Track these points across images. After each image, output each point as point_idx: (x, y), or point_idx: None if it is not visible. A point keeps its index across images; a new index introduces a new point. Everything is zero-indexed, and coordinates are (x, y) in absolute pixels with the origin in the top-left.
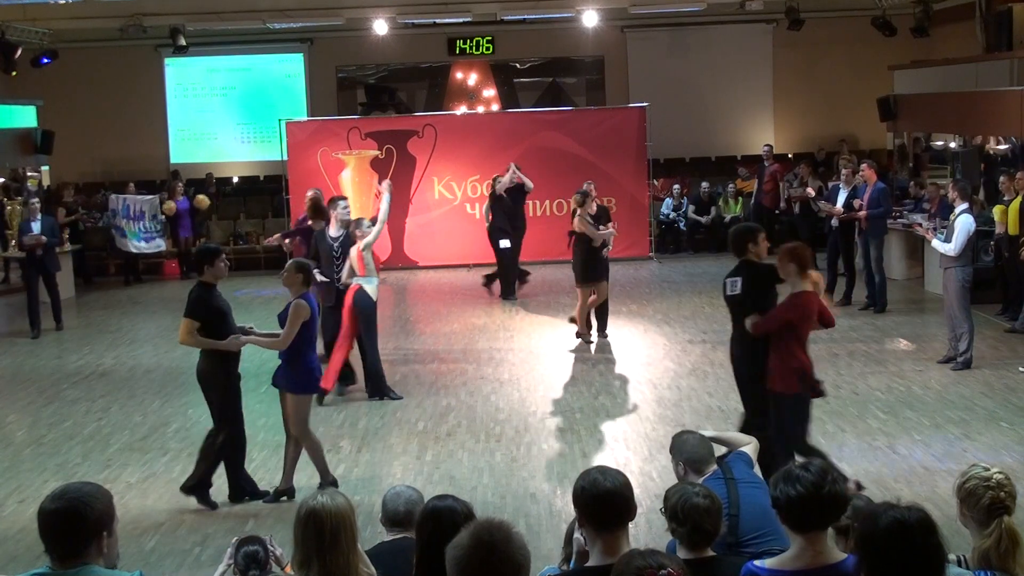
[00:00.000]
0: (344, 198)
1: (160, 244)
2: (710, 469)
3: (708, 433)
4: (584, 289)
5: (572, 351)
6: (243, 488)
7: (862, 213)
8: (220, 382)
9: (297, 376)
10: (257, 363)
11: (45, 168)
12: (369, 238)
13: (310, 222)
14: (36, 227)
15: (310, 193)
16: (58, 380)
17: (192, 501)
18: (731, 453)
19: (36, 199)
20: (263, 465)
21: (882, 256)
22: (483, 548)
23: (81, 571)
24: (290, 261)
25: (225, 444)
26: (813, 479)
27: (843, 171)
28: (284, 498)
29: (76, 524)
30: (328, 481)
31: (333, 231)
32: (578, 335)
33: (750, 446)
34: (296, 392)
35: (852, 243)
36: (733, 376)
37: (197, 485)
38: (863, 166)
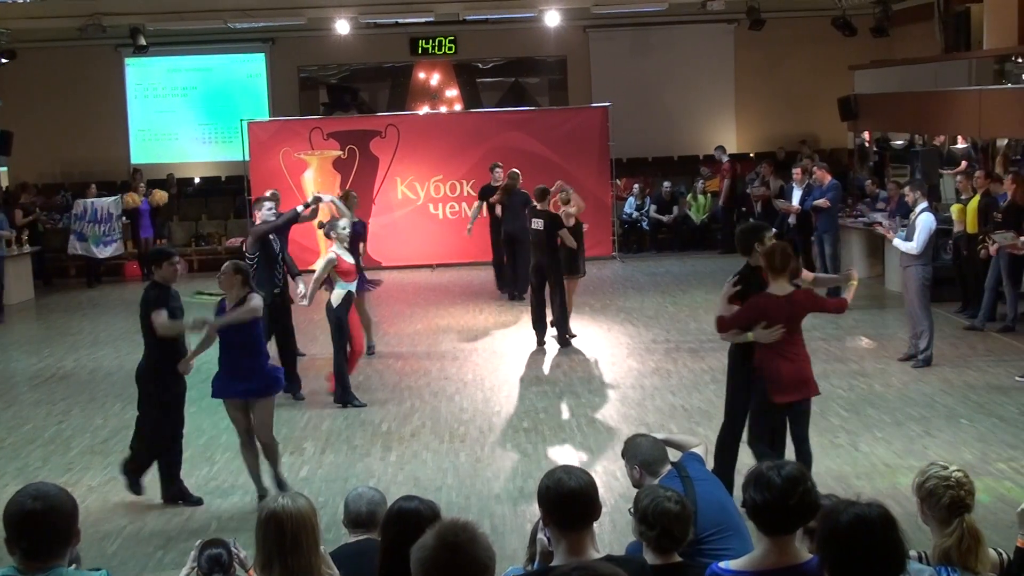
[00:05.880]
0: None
1: (119, 248)
2: (665, 470)
3: (659, 436)
4: (572, 282)
5: (553, 350)
6: (178, 494)
7: (821, 202)
8: (165, 383)
9: (265, 377)
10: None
11: (3, 169)
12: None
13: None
14: None
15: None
16: (17, 383)
17: (156, 502)
18: (682, 454)
19: None
20: (225, 467)
21: (838, 254)
22: (448, 549)
23: (51, 572)
24: (228, 263)
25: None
26: (782, 487)
27: (794, 170)
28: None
29: (59, 525)
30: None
31: None
32: (567, 335)
33: (699, 447)
34: (267, 395)
35: (810, 241)
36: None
37: (136, 470)
38: (815, 168)
